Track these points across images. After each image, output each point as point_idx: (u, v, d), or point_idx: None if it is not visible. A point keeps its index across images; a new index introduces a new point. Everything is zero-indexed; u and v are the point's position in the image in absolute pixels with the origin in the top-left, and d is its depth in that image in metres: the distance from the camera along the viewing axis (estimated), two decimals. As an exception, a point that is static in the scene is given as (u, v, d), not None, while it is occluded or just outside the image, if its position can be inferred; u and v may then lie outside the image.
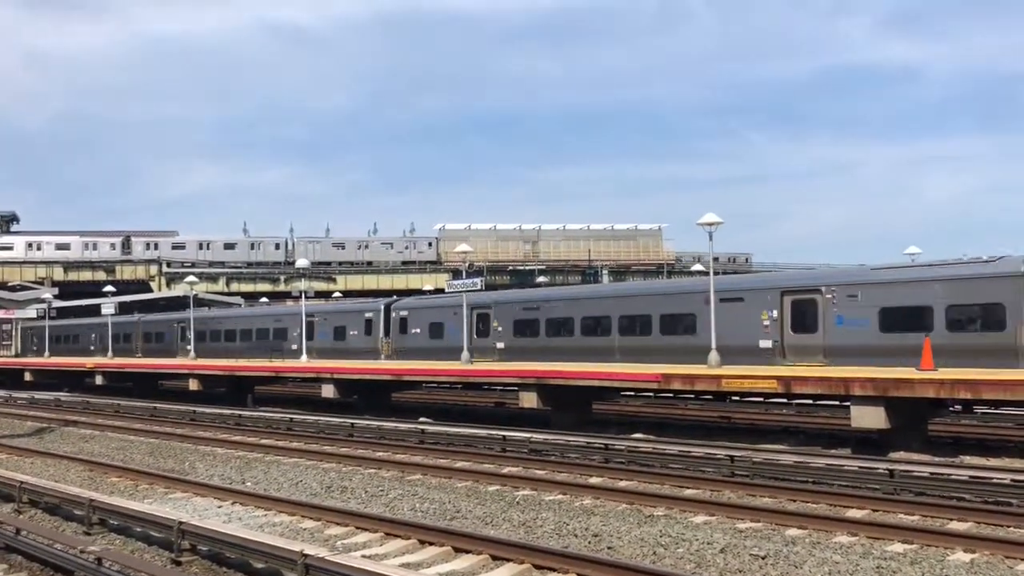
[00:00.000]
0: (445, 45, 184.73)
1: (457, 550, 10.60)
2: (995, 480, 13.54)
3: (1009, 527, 11.37)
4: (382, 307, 36.11)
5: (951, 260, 22.01)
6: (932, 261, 23.02)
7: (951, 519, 11.87)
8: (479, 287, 31.30)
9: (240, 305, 62.22)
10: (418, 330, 33.30)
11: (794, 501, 13.40)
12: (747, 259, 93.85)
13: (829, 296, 22.55)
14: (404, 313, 33.99)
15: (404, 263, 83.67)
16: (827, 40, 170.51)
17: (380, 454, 19.66)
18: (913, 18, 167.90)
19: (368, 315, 36.39)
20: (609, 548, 10.90)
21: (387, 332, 35.04)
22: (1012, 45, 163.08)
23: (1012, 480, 13.46)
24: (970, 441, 19.35)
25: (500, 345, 30.63)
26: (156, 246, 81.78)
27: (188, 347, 42.54)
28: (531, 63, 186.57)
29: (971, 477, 13.89)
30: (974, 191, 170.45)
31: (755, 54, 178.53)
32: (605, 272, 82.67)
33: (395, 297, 39.13)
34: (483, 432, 21.21)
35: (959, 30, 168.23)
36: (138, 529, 11.86)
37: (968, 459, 16.82)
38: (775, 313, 23.38)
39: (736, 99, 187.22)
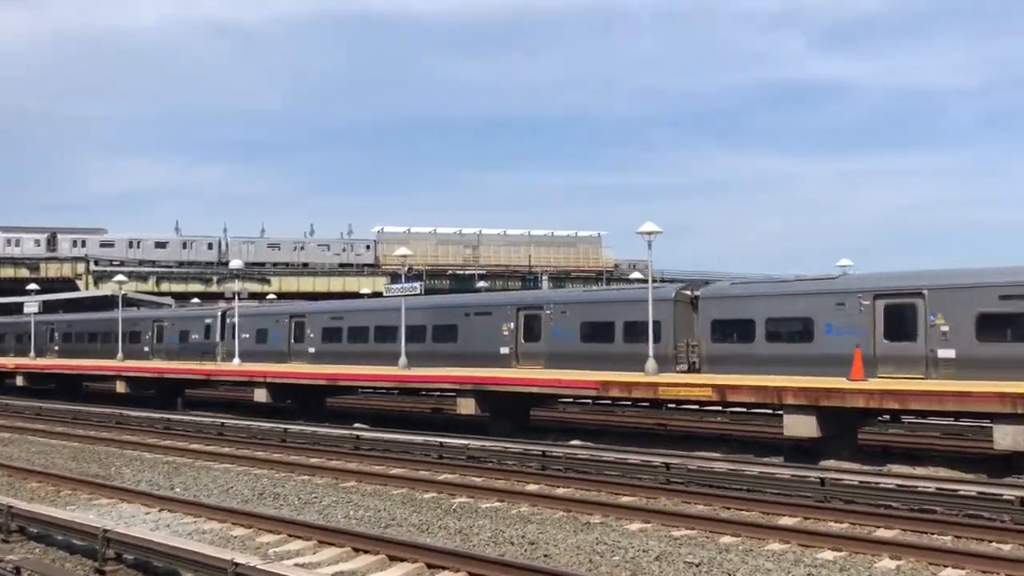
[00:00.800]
0: (388, 47, 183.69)
1: (392, 558, 10.46)
2: (921, 488, 13.92)
3: (934, 534, 11.67)
4: (219, 314, 40.03)
5: (630, 287, 29.77)
6: (617, 287, 32.11)
7: (879, 527, 12.13)
8: (418, 292, 31.14)
9: (171, 305, 60.73)
10: (247, 335, 36.72)
11: (728, 509, 13.56)
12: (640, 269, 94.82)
13: (548, 312, 27.36)
14: (234, 319, 37.02)
15: (341, 265, 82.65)
16: (766, 54, 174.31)
17: (314, 460, 19.34)
18: (847, 36, 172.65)
19: (208, 320, 40.57)
20: (545, 556, 10.87)
21: (222, 336, 38.59)
22: (941, 65, 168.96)
23: (937, 488, 13.85)
24: (898, 450, 19.86)
25: (312, 350, 34.49)
26: (84, 244, 79.32)
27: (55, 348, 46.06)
28: (473, 69, 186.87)
29: (898, 485, 14.25)
30: (905, 205, 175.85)
31: (697, 66, 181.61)
32: (545, 278, 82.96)
33: (230, 306, 41.52)
34: (420, 439, 21.04)
35: (890, 48, 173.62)
36: (60, 537, 11.44)
37: (896, 468, 17.24)
38: (512, 325, 28.11)
39: (675, 109, 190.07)
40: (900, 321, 20.57)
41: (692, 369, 23.59)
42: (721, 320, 23.68)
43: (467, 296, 38.85)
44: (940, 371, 19.59)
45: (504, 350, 27.87)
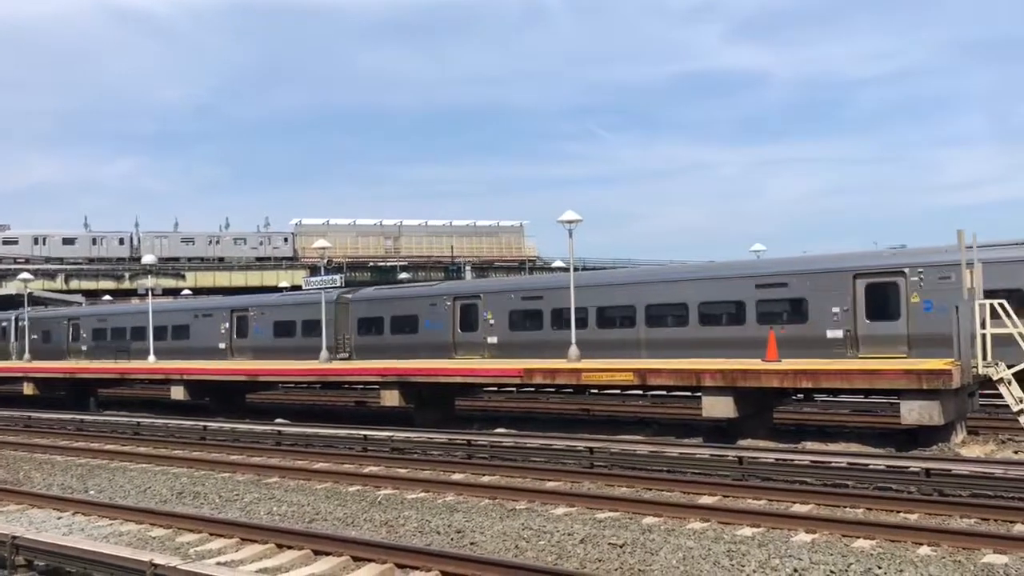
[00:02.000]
0: (304, 38, 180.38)
1: (317, 552, 10.35)
2: (834, 464, 14.41)
3: (846, 507, 12.11)
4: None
5: (430, 284, 37.44)
6: (419, 286, 39.23)
7: (795, 502, 12.53)
8: (339, 284, 30.82)
9: (81, 304, 58.67)
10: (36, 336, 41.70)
11: (650, 490, 13.82)
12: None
13: (252, 313, 35.83)
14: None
15: (259, 259, 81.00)
16: (681, 46, 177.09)
17: (235, 457, 18.98)
18: (761, 26, 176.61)
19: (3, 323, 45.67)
20: (472, 544, 10.91)
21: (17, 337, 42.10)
22: (849, 53, 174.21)
23: (849, 463, 14.36)
24: (811, 428, 20.50)
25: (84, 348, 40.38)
26: (-16, 241, 76.03)
27: None
28: (393, 59, 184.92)
29: (812, 462, 14.73)
30: (814, 193, 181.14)
31: (612, 57, 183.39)
32: (468, 268, 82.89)
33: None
34: (343, 432, 20.84)
35: (802, 38, 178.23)
36: (-35, 546, 10.95)
37: (810, 445, 17.82)
38: (227, 325, 36.10)
39: (594, 101, 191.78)
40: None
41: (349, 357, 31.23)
42: (364, 318, 32.35)
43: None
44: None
45: (222, 345, 35.01)
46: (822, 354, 21.59)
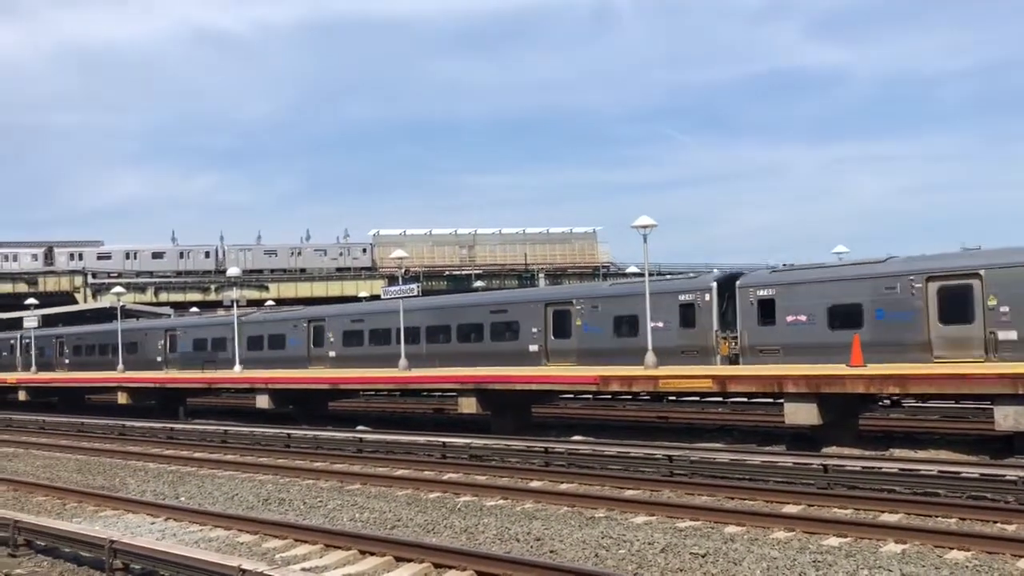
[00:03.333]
0: (375, 50, 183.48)
1: (399, 559, 10.48)
2: (923, 472, 13.95)
3: (937, 517, 11.71)
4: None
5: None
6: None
7: (883, 511, 12.18)
8: (415, 293, 31.18)
9: (169, 315, 60.71)
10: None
11: (732, 499, 13.60)
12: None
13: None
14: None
15: (338, 270, 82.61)
16: (755, 45, 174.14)
17: (318, 464, 19.37)
18: (840, 22, 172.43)
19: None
20: (551, 552, 10.91)
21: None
22: (933, 47, 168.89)
23: (939, 472, 13.89)
24: (899, 434, 19.92)
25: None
26: (81, 256, 79.24)
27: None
28: (462, 69, 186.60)
29: (901, 470, 14.27)
30: (898, 191, 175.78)
31: (684, 59, 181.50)
32: (542, 275, 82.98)
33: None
34: (422, 439, 21.08)
35: (881, 34, 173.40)
36: (67, 550, 11.45)
37: (898, 452, 17.31)
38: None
39: (667, 104, 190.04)
40: None
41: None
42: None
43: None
44: None
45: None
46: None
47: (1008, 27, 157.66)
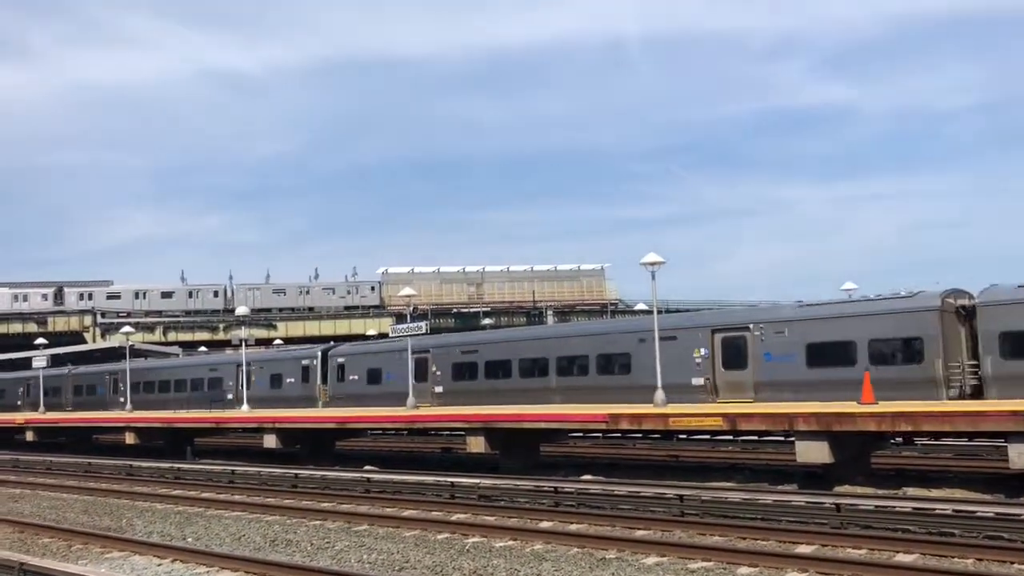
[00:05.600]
0: (386, 89, 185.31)
1: (407, 602, 10.36)
2: (938, 511, 13.78)
3: (953, 558, 11.54)
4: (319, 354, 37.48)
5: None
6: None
7: (897, 551, 12.01)
8: (424, 331, 31.14)
9: (178, 355, 60.82)
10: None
11: (744, 539, 13.43)
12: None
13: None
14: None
15: (347, 308, 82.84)
16: (763, 83, 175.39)
17: (325, 505, 19.24)
18: (845, 61, 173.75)
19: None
20: (562, 594, 10.76)
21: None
22: (940, 87, 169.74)
23: (954, 511, 13.71)
24: (912, 473, 19.70)
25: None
26: (90, 296, 79.71)
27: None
28: (472, 107, 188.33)
29: (915, 508, 14.10)
30: (903, 228, 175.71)
31: (692, 97, 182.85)
32: (550, 313, 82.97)
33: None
34: (431, 479, 20.93)
35: (889, 72, 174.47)
36: (72, 593, 11.35)
37: (911, 491, 17.10)
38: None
39: (674, 141, 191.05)
40: None
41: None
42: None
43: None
44: None
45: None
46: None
47: (1016, 63, 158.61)
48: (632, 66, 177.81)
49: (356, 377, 33.74)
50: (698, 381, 23.98)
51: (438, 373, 30.95)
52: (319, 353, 36.10)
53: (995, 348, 19.62)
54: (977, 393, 19.92)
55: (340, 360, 34.80)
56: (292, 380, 36.60)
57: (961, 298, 21.13)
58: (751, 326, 23.54)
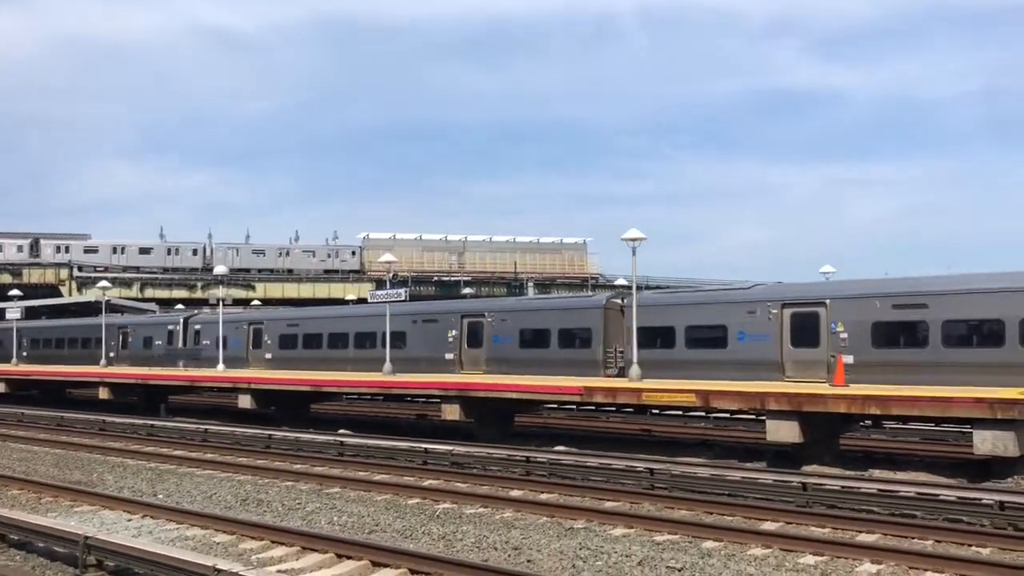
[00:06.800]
0: (376, 55, 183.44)
1: (375, 564, 10.45)
2: (902, 493, 14.02)
3: (914, 539, 11.76)
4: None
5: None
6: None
7: (860, 531, 12.22)
8: (403, 298, 31.15)
9: (155, 311, 60.40)
10: None
11: (711, 514, 13.62)
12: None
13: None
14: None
15: (326, 272, 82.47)
16: (758, 62, 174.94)
17: (298, 466, 19.29)
18: (840, 43, 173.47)
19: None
20: (529, 561, 10.90)
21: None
22: (932, 73, 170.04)
23: (918, 493, 13.95)
24: (879, 456, 19.99)
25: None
26: (67, 249, 78.77)
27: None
28: (463, 76, 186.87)
29: (880, 490, 14.33)
30: (891, 214, 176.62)
31: (686, 74, 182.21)
32: (531, 284, 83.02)
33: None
34: (404, 444, 21.02)
35: (883, 56, 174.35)
36: (41, 544, 11.37)
37: (877, 473, 17.38)
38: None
39: (665, 118, 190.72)
40: None
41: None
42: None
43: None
44: None
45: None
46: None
47: (1010, 52, 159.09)
48: (627, 40, 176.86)
49: (208, 342, 38.21)
50: (450, 356, 29.28)
51: (269, 341, 36.09)
52: (181, 320, 40.87)
53: (637, 339, 23.75)
54: (621, 373, 24.71)
55: (197, 327, 39.75)
56: (160, 342, 41.09)
57: (618, 299, 26.79)
58: (486, 313, 29.20)
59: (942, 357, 19.91)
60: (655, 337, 24.51)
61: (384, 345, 29.22)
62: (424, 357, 29.57)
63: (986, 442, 15.64)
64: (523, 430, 25.67)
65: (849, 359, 20.66)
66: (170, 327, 40.94)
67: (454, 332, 29.53)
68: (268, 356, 35.60)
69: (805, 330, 22.09)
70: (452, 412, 23.05)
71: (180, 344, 39.51)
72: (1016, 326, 19.24)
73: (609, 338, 25.78)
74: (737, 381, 20.75)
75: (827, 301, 21.88)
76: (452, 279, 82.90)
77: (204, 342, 38.64)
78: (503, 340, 28.38)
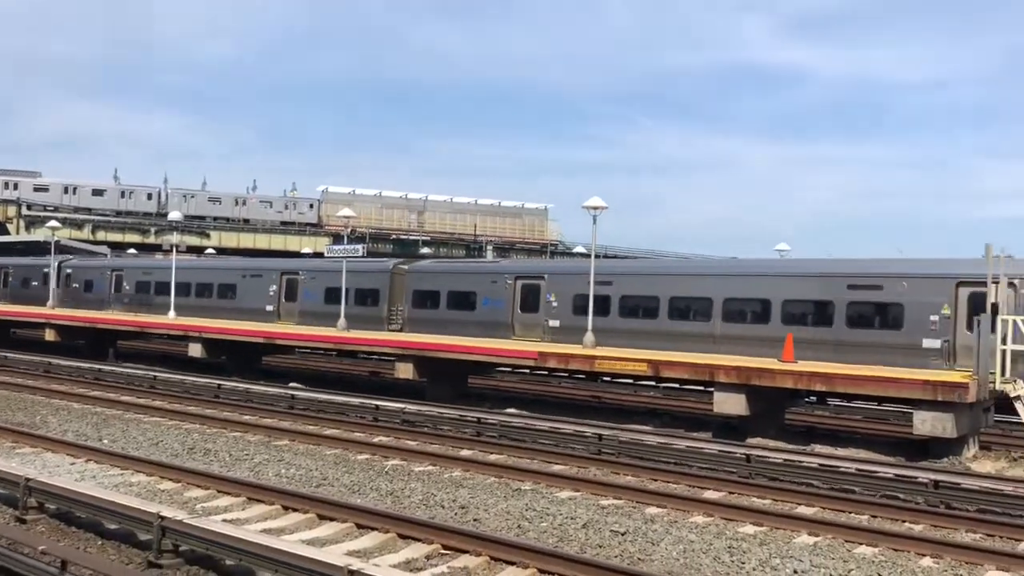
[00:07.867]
0: (347, 4, 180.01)
1: (321, 517, 10.47)
2: (842, 469, 14.36)
3: (851, 513, 12.09)
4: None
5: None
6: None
7: (800, 504, 12.52)
8: (360, 254, 30.90)
9: (106, 255, 59.18)
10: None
11: (655, 480, 13.85)
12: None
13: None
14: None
15: (283, 223, 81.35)
16: (728, 37, 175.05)
17: (247, 417, 19.18)
18: (809, 23, 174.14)
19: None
20: (475, 520, 11.00)
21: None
22: (894, 57, 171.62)
23: (857, 469, 14.31)
24: (822, 431, 20.43)
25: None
26: (16, 186, 76.50)
27: None
28: (435, 34, 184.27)
29: (820, 465, 14.68)
30: (845, 195, 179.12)
31: (659, 44, 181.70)
32: (490, 248, 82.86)
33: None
34: (356, 400, 21.00)
35: (848, 39, 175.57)
36: (-21, 484, 11.18)
37: (819, 448, 17.76)
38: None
39: (635, 88, 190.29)
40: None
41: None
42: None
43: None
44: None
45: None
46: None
47: (965, 45, 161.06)
48: (605, 8, 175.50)
49: (77, 286, 42.30)
50: (270, 308, 32.92)
51: (127, 287, 39.89)
52: (56, 264, 42.72)
53: (411, 300, 29.26)
54: (401, 328, 28.92)
55: (68, 271, 43.32)
56: (36, 283, 43.97)
57: (404, 265, 31.16)
58: (300, 272, 33.44)
59: (618, 324, 24.45)
60: (426, 299, 29.10)
61: (225, 297, 34.11)
62: (249, 308, 33.32)
63: (926, 423, 16.06)
64: (477, 392, 25.77)
65: (556, 323, 25.58)
66: (44, 270, 43.55)
67: (274, 287, 33.41)
68: (126, 301, 39.52)
69: (529, 298, 26.68)
70: (406, 371, 23.05)
71: (54, 284, 41.80)
72: (720, 304, 22.89)
73: (393, 298, 30.03)
74: (479, 339, 24.15)
75: (545, 276, 26.80)
76: (411, 238, 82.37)
77: (74, 285, 42.56)
78: (312, 296, 32.24)
